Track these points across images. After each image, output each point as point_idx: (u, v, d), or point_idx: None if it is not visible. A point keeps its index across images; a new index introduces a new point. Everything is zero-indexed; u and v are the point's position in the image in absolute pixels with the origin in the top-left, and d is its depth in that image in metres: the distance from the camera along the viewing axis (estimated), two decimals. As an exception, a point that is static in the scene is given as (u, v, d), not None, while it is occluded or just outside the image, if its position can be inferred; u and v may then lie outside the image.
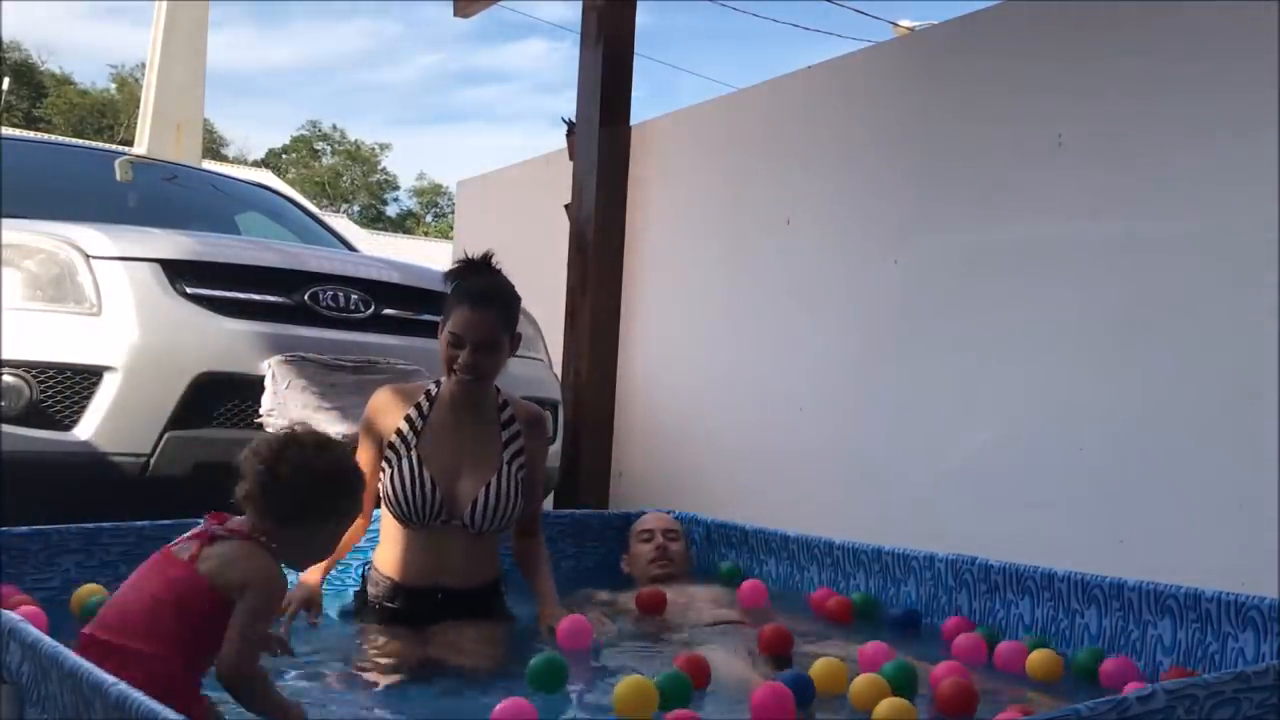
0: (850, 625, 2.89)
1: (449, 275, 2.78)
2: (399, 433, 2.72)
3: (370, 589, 2.76)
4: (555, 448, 4.39)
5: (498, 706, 1.87)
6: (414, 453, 2.69)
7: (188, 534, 1.83)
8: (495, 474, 2.72)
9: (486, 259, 2.79)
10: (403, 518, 2.68)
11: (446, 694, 2.23)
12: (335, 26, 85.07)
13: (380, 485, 2.73)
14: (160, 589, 1.73)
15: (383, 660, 2.45)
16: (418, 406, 2.75)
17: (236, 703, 1.75)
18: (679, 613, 2.90)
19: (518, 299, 2.83)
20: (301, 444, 1.86)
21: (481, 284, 2.73)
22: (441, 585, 2.69)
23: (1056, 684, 2.36)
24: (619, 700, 1.95)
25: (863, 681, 2.08)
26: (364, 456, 2.71)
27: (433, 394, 2.78)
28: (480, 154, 76.47)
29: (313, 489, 1.84)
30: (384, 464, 2.72)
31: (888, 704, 1.91)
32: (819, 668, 2.17)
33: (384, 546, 2.76)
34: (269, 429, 3.38)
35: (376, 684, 2.30)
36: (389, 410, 2.76)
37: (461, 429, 2.75)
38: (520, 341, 2.84)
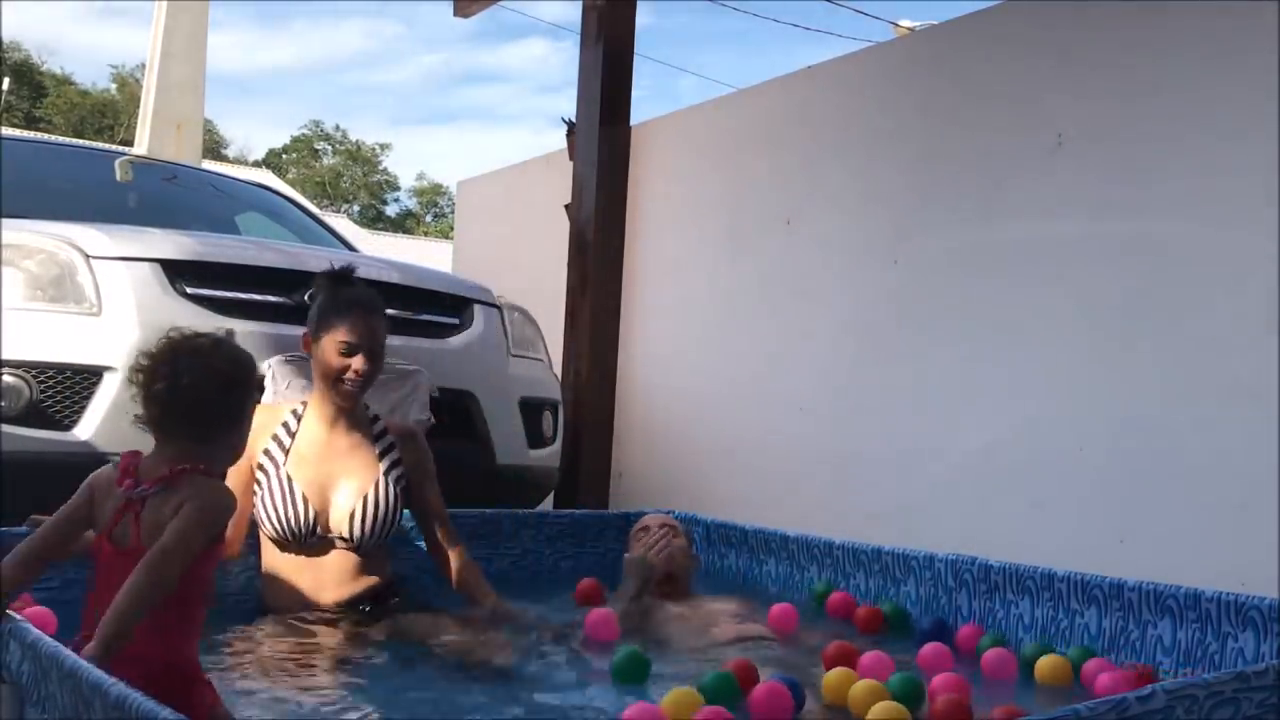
0: (880, 634, 2.79)
1: (318, 287, 2.74)
2: (266, 453, 2.68)
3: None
4: (555, 448, 4.40)
5: (627, 711, 1.82)
6: (283, 471, 2.66)
7: (113, 507, 1.68)
8: (373, 485, 2.68)
9: (352, 269, 2.76)
10: (278, 538, 2.64)
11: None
12: (336, 27, 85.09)
13: (255, 509, 2.67)
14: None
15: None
16: (285, 425, 2.71)
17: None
18: (696, 632, 2.75)
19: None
20: (195, 348, 1.76)
21: (363, 292, 2.71)
22: (355, 598, 2.66)
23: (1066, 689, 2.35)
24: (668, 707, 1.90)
25: (862, 688, 2.05)
26: (232, 480, 2.65)
27: (299, 411, 2.74)
28: (481, 154, 76.47)
29: (221, 389, 1.75)
30: (256, 485, 2.67)
31: (881, 708, 1.91)
32: (833, 679, 2.11)
33: (265, 570, 2.70)
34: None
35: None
36: (256, 429, 2.60)
37: (333, 443, 2.71)
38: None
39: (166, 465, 1.68)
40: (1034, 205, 3.88)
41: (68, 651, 1.63)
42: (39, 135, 18.53)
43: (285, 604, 2.65)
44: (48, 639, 1.70)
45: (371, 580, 2.72)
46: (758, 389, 4.92)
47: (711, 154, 5.37)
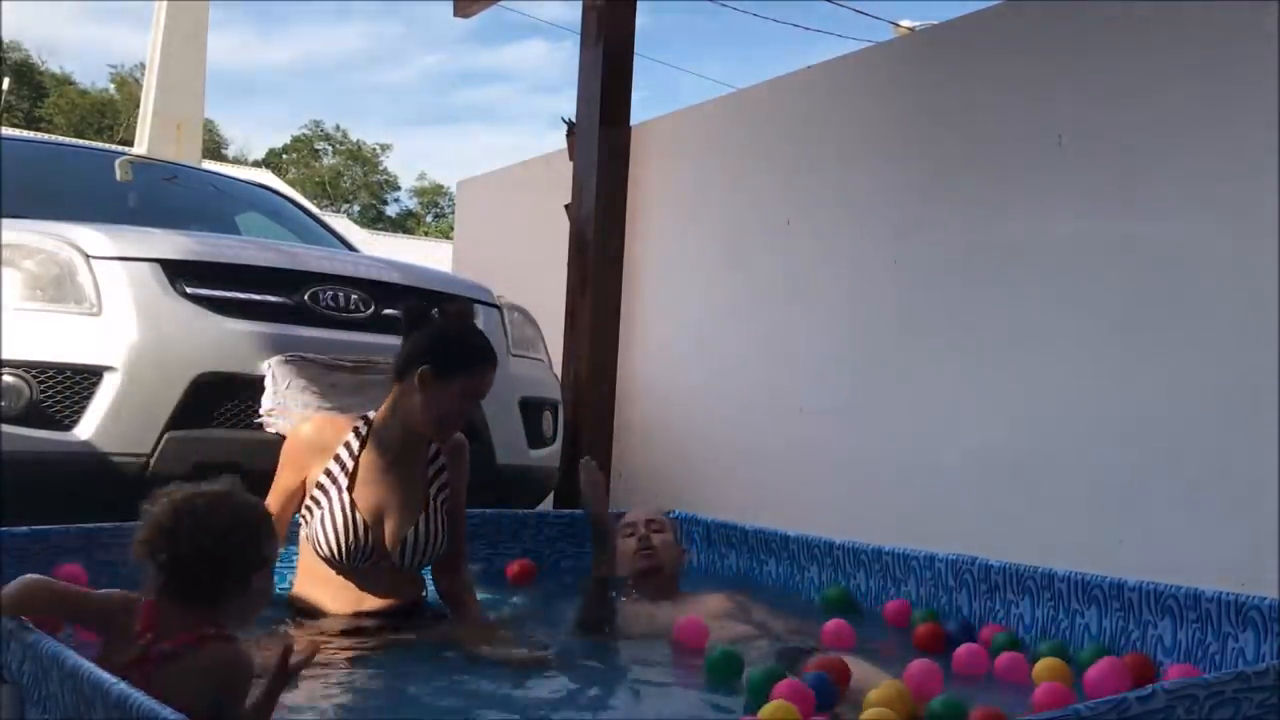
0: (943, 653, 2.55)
1: (441, 322, 2.71)
2: (329, 473, 2.64)
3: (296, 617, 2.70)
4: (555, 448, 4.40)
5: (781, 684, 1.87)
6: (346, 495, 2.62)
7: (127, 652, 1.64)
8: (424, 511, 2.67)
9: (472, 312, 2.81)
10: (331, 560, 2.63)
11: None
12: (336, 27, 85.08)
13: (305, 526, 2.65)
14: None
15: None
16: (347, 445, 2.67)
17: None
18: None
19: None
20: (193, 510, 1.68)
21: (486, 339, 2.71)
22: (388, 611, 2.65)
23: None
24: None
25: (889, 689, 1.97)
26: (282, 484, 2.64)
27: (363, 432, 2.68)
28: (481, 154, 76.52)
29: (225, 552, 1.67)
30: (311, 503, 2.64)
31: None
32: (881, 692, 1.99)
33: (308, 587, 2.68)
34: (269, 429, 3.38)
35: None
36: (318, 446, 2.67)
37: (394, 468, 2.67)
38: None
39: (183, 628, 1.64)
40: (1034, 205, 3.88)
41: (69, 651, 1.63)
42: (39, 135, 18.52)
43: (321, 612, 2.64)
44: (49, 639, 1.70)
45: (411, 594, 2.72)
46: (757, 389, 4.92)
47: (711, 154, 5.37)
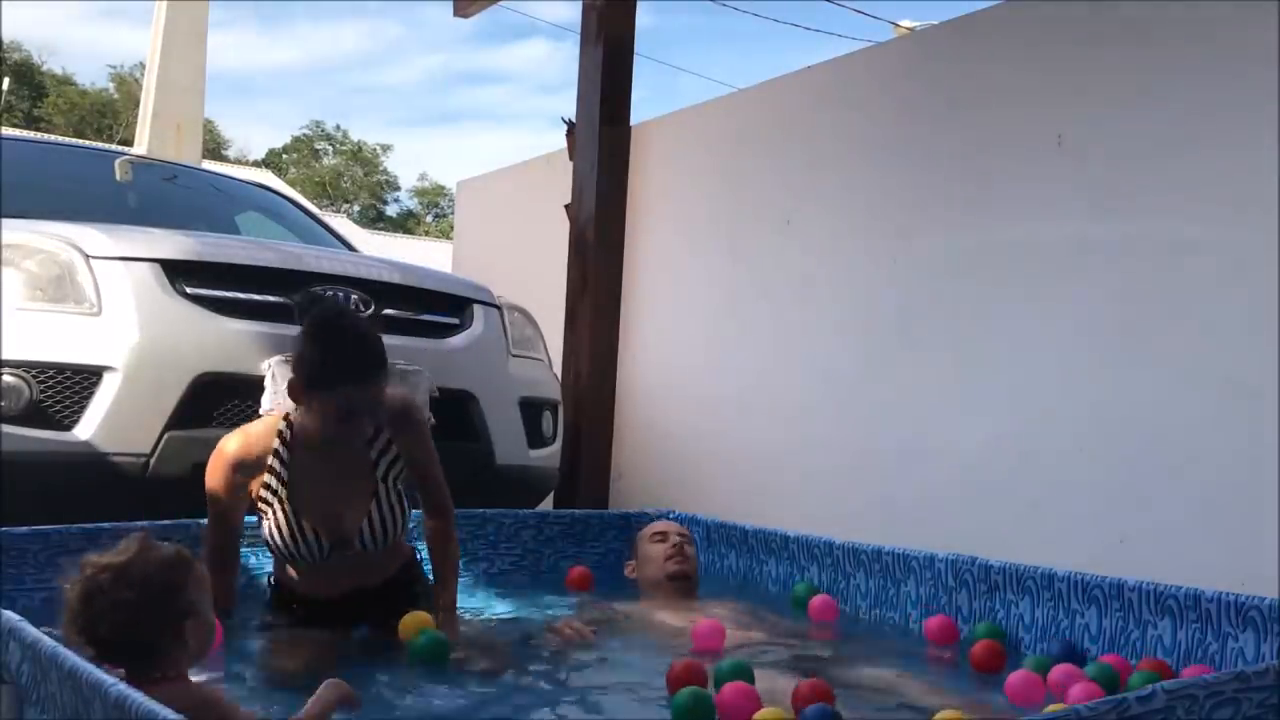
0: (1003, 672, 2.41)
1: (302, 328, 2.61)
2: (267, 485, 2.59)
3: (285, 596, 2.69)
4: (555, 448, 4.40)
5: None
6: (286, 506, 2.58)
7: None
8: (374, 497, 2.63)
9: (336, 313, 2.74)
10: (293, 561, 2.62)
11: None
12: (337, 27, 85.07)
13: (262, 528, 2.62)
14: None
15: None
16: (277, 453, 2.60)
17: None
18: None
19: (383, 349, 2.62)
20: (99, 588, 1.68)
21: (360, 354, 2.53)
22: (364, 586, 2.65)
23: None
24: None
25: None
26: (220, 510, 2.59)
27: (287, 436, 2.61)
28: (482, 155, 76.41)
29: (146, 617, 1.68)
30: (263, 506, 2.61)
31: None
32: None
33: (279, 565, 2.68)
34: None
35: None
36: (248, 464, 2.59)
37: (329, 464, 2.61)
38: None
39: (140, 680, 1.65)
40: (1034, 205, 3.88)
41: (67, 652, 1.63)
42: (39, 135, 18.53)
43: (301, 593, 2.65)
44: (48, 639, 1.70)
45: (388, 568, 2.71)
46: (757, 389, 4.92)
47: (711, 154, 5.37)
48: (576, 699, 2.26)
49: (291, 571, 2.66)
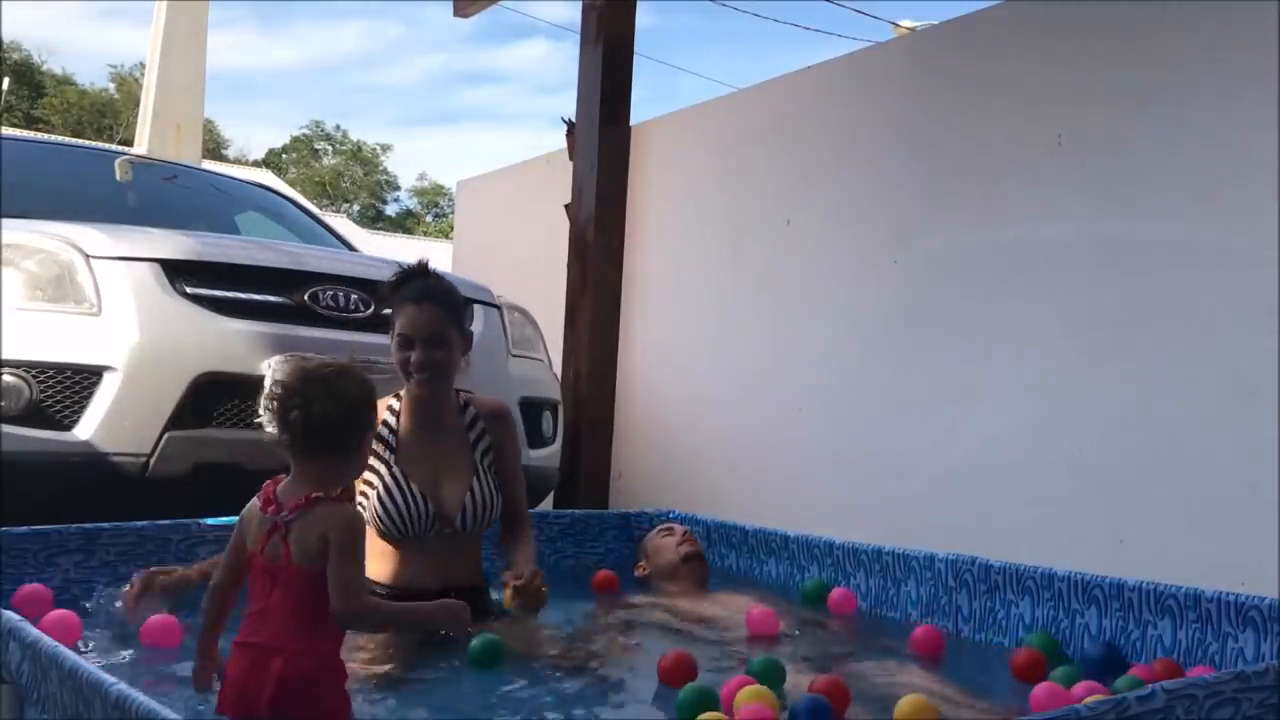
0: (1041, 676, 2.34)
1: (389, 286, 2.77)
2: (374, 451, 2.66)
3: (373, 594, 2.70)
4: (555, 448, 4.39)
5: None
6: (396, 468, 2.66)
7: (260, 530, 1.82)
8: (474, 477, 2.71)
9: (423, 266, 2.79)
10: (396, 534, 2.64)
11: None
12: (338, 27, 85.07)
13: (363, 510, 2.64)
14: (286, 598, 1.76)
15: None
16: (385, 423, 2.71)
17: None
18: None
19: (460, 299, 2.81)
20: (322, 378, 1.87)
21: (420, 284, 2.73)
22: (453, 585, 2.63)
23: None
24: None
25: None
26: None
27: (395, 407, 2.75)
28: (482, 155, 76.42)
29: (348, 415, 1.86)
30: (364, 485, 2.66)
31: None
32: (906, 705, 1.91)
33: (373, 561, 2.64)
34: (269, 429, 3.37)
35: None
36: None
37: (432, 437, 2.73)
38: (472, 342, 2.82)
39: (303, 491, 1.82)
40: (1034, 205, 3.88)
41: (68, 651, 1.63)
42: (39, 135, 18.53)
43: (391, 585, 2.65)
44: (47, 639, 1.70)
45: (470, 571, 2.73)
46: (757, 389, 4.92)
47: (711, 154, 5.37)
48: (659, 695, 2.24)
49: (383, 567, 2.66)
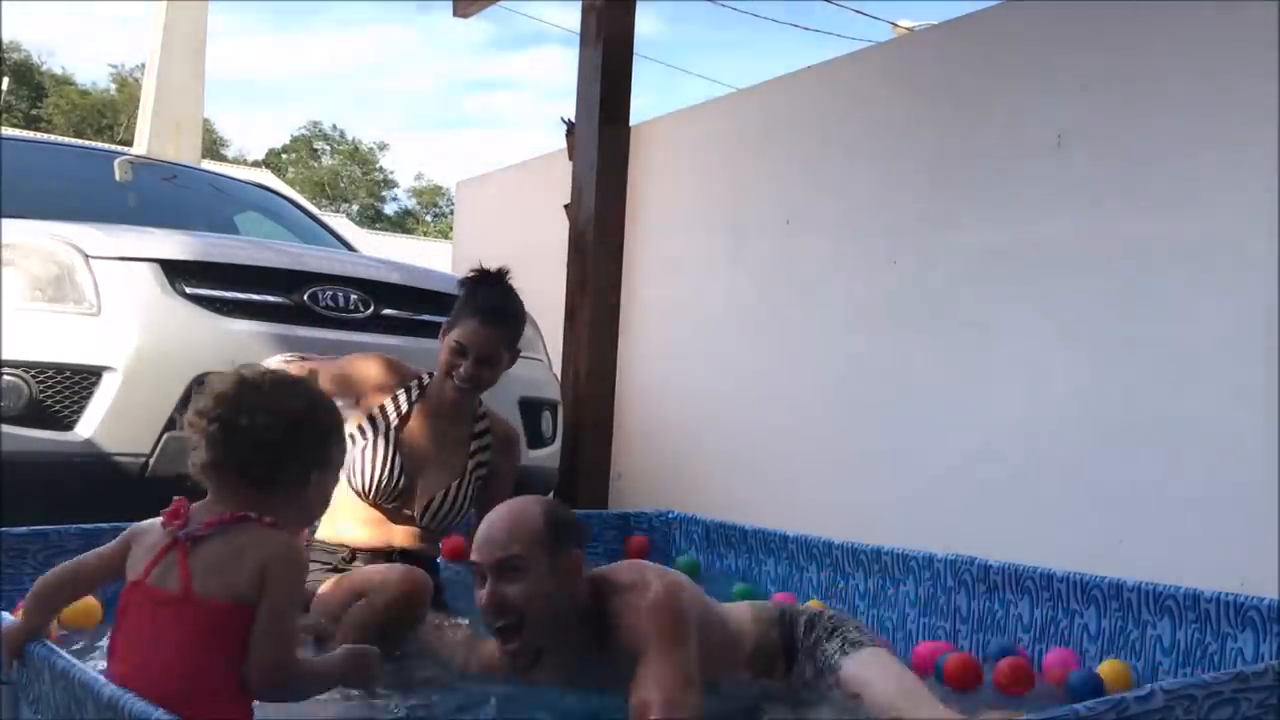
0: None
1: (465, 282, 2.79)
2: (382, 409, 2.72)
3: (319, 558, 2.66)
4: (555, 448, 4.39)
5: None
6: (393, 435, 2.69)
7: (152, 549, 1.52)
8: (458, 478, 2.74)
9: (502, 274, 2.81)
10: (359, 492, 2.67)
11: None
12: (345, 32, 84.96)
13: (350, 454, 2.66)
14: (170, 635, 1.44)
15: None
16: (407, 390, 2.76)
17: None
18: None
19: (525, 317, 2.86)
20: (258, 386, 1.55)
21: (496, 300, 2.75)
22: (394, 546, 2.68)
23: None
24: None
25: None
26: (330, 380, 2.60)
27: (423, 383, 2.78)
28: (489, 159, 76.40)
29: (286, 434, 1.53)
30: (356, 433, 2.69)
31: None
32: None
33: (330, 518, 2.68)
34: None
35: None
36: (378, 383, 2.75)
37: (439, 427, 2.76)
38: (518, 356, 2.85)
39: (222, 511, 1.51)
40: (1034, 205, 3.88)
41: (61, 651, 1.63)
42: (39, 135, 18.53)
43: (362, 543, 2.66)
44: (41, 641, 1.70)
45: (422, 547, 2.74)
46: (757, 389, 4.92)
47: (711, 154, 5.37)
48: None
49: (341, 520, 2.66)
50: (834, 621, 2.15)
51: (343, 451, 1.67)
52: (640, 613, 1.89)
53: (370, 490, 2.66)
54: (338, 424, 1.64)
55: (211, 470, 1.54)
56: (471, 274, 2.80)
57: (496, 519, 2.00)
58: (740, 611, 2.19)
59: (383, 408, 2.73)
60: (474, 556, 1.98)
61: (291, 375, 1.66)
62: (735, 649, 2.09)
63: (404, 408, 2.74)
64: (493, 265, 2.82)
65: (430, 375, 2.80)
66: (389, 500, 2.68)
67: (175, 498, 1.56)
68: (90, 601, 2.35)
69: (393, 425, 2.71)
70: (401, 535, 2.71)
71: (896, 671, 2.04)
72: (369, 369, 2.78)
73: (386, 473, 2.66)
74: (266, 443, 1.53)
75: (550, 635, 1.96)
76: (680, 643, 1.87)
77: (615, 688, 1.87)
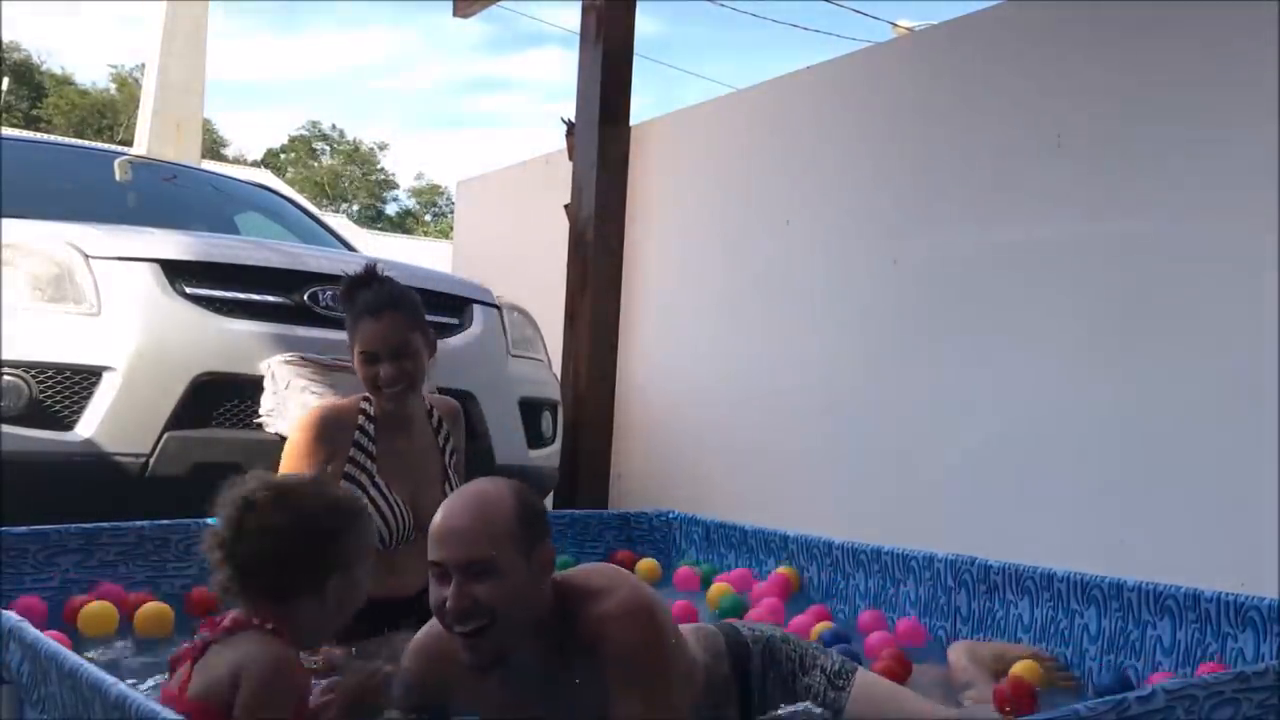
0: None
1: (340, 297, 2.67)
2: (354, 461, 2.60)
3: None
4: (555, 448, 4.40)
5: None
6: (378, 479, 2.60)
7: (183, 649, 1.56)
8: (444, 480, 2.69)
9: (371, 271, 2.68)
10: (380, 547, 2.51)
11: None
12: (345, 32, 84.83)
13: None
14: None
15: None
16: (361, 429, 2.62)
17: None
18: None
19: (418, 299, 2.70)
20: (253, 502, 1.55)
21: (375, 294, 2.62)
22: (403, 593, 2.55)
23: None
24: None
25: None
26: (314, 464, 2.55)
27: (370, 412, 2.65)
28: (492, 161, 76.05)
29: (292, 546, 1.54)
30: None
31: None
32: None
33: None
34: (269, 429, 3.38)
35: None
36: (333, 434, 2.60)
37: (409, 445, 2.67)
38: (435, 341, 2.74)
39: (236, 617, 1.52)
40: (1034, 205, 3.88)
41: (67, 651, 1.63)
42: (39, 135, 18.52)
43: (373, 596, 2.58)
44: (47, 639, 1.70)
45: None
46: (757, 389, 4.92)
47: (711, 154, 5.37)
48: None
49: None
50: (798, 650, 1.97)
51: (363, 548, 1.63)
52: (618, 633, 1.68)
53: (387, 541, 2.57)
54: (347, 521, 1.61)
55: (224, 590, 1.57)
56: (344, 284, 2.66)
57: (459, 508, 1.73)
58: (687, 635, 1.91)
59: (353, 459, 2.60)
60: (434, 554, 1.71)
61: (294, 481, 1.65)
62: (694, 681, 1.85)
63: (370, 445, 2.62)
64: (359, 269, 2.69)
65: (367, 400, 2.66)
66: (405, 541, 2.59)
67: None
68: (163, 609, 2.33)
69: (373, 471, 2.60)
70: (413, 578, 2.51)
71: (898, 695, 1.99)
72: (319, 430, 2.59)
73: (395, 519, 2.59)
74: (267, 563, 1.53)
75: (520, 639, 1.72)
76: (666, 682, 1.68)
77: (576, 704, 1.71)
